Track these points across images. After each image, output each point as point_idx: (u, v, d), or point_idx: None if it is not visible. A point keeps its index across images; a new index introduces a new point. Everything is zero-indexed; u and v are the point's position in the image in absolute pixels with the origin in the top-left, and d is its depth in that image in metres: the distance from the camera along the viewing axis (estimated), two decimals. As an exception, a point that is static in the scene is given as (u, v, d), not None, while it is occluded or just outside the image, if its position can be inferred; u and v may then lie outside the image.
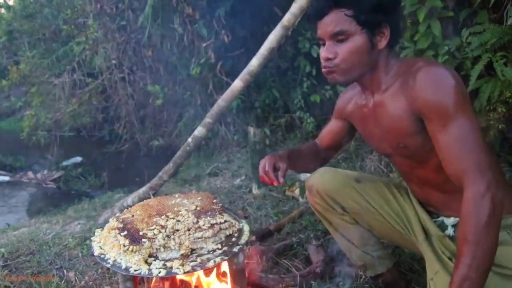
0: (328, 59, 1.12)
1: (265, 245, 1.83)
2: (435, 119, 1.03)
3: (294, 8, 2.30)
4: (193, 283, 1.40)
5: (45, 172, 4.49)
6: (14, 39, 5.66)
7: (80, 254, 1.86)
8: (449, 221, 1.22)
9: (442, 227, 1.24)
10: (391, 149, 1.22)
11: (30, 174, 4.49)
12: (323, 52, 1.12)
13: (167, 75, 4.40)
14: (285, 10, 3.36)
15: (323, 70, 1.15)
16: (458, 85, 1.01)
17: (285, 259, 1.71)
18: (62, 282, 1.59)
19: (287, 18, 2.34)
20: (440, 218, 1.25)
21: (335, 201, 1.37)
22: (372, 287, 1.49)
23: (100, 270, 1.68)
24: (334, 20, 1.08)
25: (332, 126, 1.42)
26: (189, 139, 2.57)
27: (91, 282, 1.56)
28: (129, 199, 2.73)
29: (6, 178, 4.47)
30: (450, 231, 1.22)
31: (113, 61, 4.46)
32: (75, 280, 1.60)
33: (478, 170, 0.98)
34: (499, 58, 1.99)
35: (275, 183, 1.23)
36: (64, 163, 4.86)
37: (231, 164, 3.63)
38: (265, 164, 1.26)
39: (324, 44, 1.13)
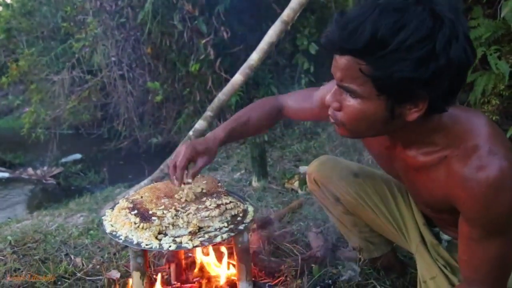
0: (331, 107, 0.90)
1: (265, 232, 1.88)
2: (470, 226, 0.88)
3: (294, 3, 2.35)
4: (198, 266, 1.45)
5: (45, 168, 4.52)
6: (12, 37, 5.68)
7: (86, 241, 1.90)
8: (445, 236, 1.21)
9: (437, 237, 1.21)
10: (412, 195, 1.14)
11: (30, 170, 4.52)
12: (328, 96, 0.90)
13: (166, 72, 4.45)
14: (283, 7, 3.43)
15: (330, 119, 0.93)
16: (510, 204, 0.82)
17: (286, 245, 1.76)
18: (70, 266, 1.63)
19: (287, 13, 2.40)
20: (437, 229, 1.23)
21: (331, 191, 1.37)
22: (370, 270, 1.54)
23: (106, 255, 1.72)
24: (345, 69, 0.81)
25: (313, 110, 1.22)
26: (190, 132, 2.62)
27: (98, 266, 1.60)
28: (131, 192, 2.77)
29: (6, 175, 4.49)
30: (444, 244, 1.21)
31: (113, 58, 4.48)
32: (82, 264, 1.65)
33: (484, 284, 0.92)
34: (493, 51, 2.05)
35: (176, 184, 1.11)
36: (63, 160, 4.88)
37: (230, 159, 3.67)
38: (181, 158, 1.13)
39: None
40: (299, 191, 2.58)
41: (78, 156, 5.08)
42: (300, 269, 1.48)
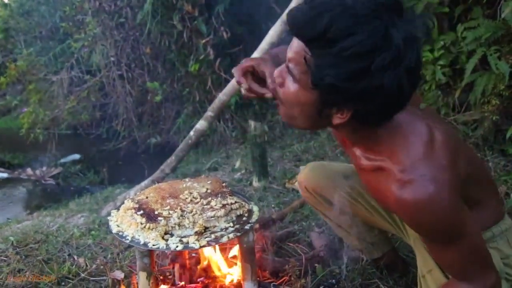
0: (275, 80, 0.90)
1: (268, 231, 1.88)
2: (422, 238, 0.92)
3: (294, 3, 2.36)
4: (203, 266, 1.46)
5: (44, 168, 4.51)
6: (10, 37, 5.67)
7: (89, 242, 1.90)
8: None
9: None
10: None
11: (29, 170, 4.50)
12: (276, 69, 0.90)
13: (165, 72, 4.44)
14: (283, 7, 3.44)
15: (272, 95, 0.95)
16: (452, 217, 0.83)
17: (289, 244, 1.77)
18: (73, 266, 1.63)
19: (288, 13, 2.40)
20: None
21: (324, 197, 1.36)
22: (373, 270, 1.55)
23: (110, 256, 1.73)
24: (295, 51, 0.82)
25: None
26: (191, 132, 2.62)
27: (101, 266, 1.60)
28: (132, 192, 2.77)
29: (5, 175, 4.48)
30: None
31: (112, 58, 4.48)
32: (86, 264, 1.64)
33: (472, 281, 0.91)
34: (493, 52, 2.06)
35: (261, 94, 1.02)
36: (62, 161, 4.87)
37: (230, 159, 3.67)
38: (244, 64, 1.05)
39: None
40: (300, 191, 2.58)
41: (77, 156, 5.07)
42: (303, 268, 1.49)
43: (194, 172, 3.58)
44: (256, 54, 2.52)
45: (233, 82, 2.54)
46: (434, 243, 0.90)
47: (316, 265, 1.56)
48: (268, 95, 1.01)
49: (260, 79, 1.03)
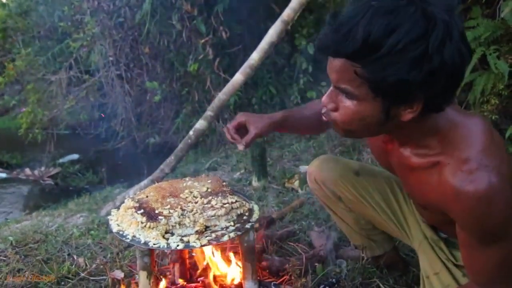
0: (326, 107, 0.90)
1: (268, 231, 1.88)
2: (467, 236, 0.89)
3: (294, 3, 2.36)
4: (203, 265, 1.45)
5: (43, 168, 4.49)
6: (8, 37, 5.66)
7: (89, 242, 1.89)
8: (441, 234, 1.22)
9: (436, 233, 1.22)
10: (406, 191, 1.13)
11: (28, 170, 4.49)
12: (323, 96, 0.90)
13: (164, 72, 4.44)
14: (282, 6, 3.44)
15: (323, 116, 0.92)
16: (507, 214, 0.82)
17: (289, 244, 1.77)
18: (73, 266, 1.63)
19: (287, 12, 2.40)
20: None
21: (332, 190, 1.37)
22: (373, 269, 1.55)
23: (109, 255, 1.72)
24: (340, 71, 0.80)
25: None
26: (191, 132, 2.62)
27: (101, 266, 1.60)
28: (131, 192, 2.76)
29: (3, 175, 4.47)
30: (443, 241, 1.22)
31: (110, 58, 4.47)
32: (85, 264, 1.64)
33: (487, 286, 0.93)
34: (492, 51, 2.06)
35: (237, 144, 1.13)
36: (61, 161, 4.86)
37: (230, 159, 3.67)
38: (234, 120, 1.17)
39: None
40: (299, 190, 2.58)
41: (75, 156, 5.06)
42: (304, 267, 1.49)
43: (194, 172, 3.57)
44: (255, 53, 2.52)
45: (233, 82, 2.54)
46: (477, 240, 0.87)
47: (316, 264, 1.55)
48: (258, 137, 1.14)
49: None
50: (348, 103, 0.84)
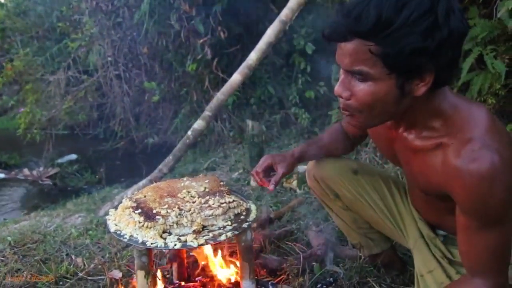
0: (341, 97, 0.91)
1: (266, 230, 1.89)
2: (467, 217, 0.89)
3: (292, 3, 2.36)
4: (201, 265, 1.46)
5: (41, 169, 4.49)
6: (6, 37, 5.65)
7: (87, 242, 1.90)
8: (441, 232, 1.23)
9: (434, 231, 1.23)
10: (409, 179, 1.14)
11: (26, 171, 4.49)
12: (336, 87, 0.91)
13: (162, 72, 4.44)
14: (280, 7, 3.44)
15: (342, 111, 0.94)
16: (507, 197, 0.83)
17: (286, 243, 1.77)
18: (71, 266, 1.63)
19: (285, 13, 2.41)
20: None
21: (330, 188, 1.38)
22: (371, 268, 1.56)
23: (107, 255, 1.72)
24: (354, 53, 0.83)
25: None
26: (189, 132, 2.62)
27: (99, 266, 1.60)
28: (129, 192, 2.77)
29: (1, 175, 4.46)
30: (440, 238, 1.22)
31: (109, 58, 4.47)
32: (84, 264, 1.64)
33: (487, 277, 0.92)
34: (489, 51, 2.07)
35: (266, 186, 1.24)
36: (59, 161, 4.86)
37: (228, 159, 3.67)
38: (261, 163, 1.28)
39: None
40: (298, 190, 2.59)
41: (73, 156, 5.05)
42: (301, 267, 1.49)
43: (192, 172, 3.58)
44: (253, 53, 2.53)
45: (231, 82, 2.54)
46: (477, 222, 0.88)
47: (313, 263, 1.56)
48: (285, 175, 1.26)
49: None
50: (362, 86, 0.86)
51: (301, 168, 2.82)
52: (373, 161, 2.82)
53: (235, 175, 3.18)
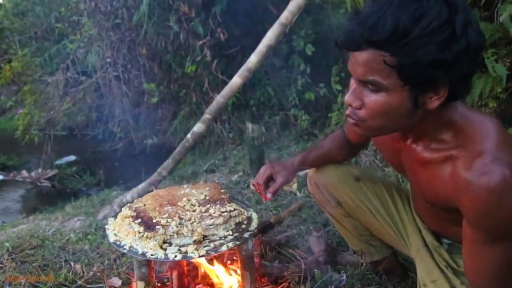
0: (351, 106, 0.89)
1: (266, 236, 1.87)
2: (474, 230, 0.88)
3: (292, 6, 2.35)
4: (201, 272, 1.44)
5: (39, 170, 4.47)
6: (5, 38, 5.62)
7: (86, 247, 1.88)
8: (445, 240, 1.22)
9: (438, 240, 1.22)
10: (415, 190, 1.12)
11: (24, 172, 4.46)
12: (347, 96, 0.89)
13: (161, 73, 4.42)
14: (279, 8, 3.42)
15: (347, 118, 0.93)
16: None
17: (287, 249, 1.76)
18: (70, 273, 1.61)
19: (285, 15, 2.39)
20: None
21: (331, 194, 1.37)
22: (372, 274, 1.54)
23: (106, 262, 1.71)
24: (368, 63, 0.81)
25: None
26: (188, 135, 2.61)
27: (98, 273, 1.58)
28: (128, 195, 2.75)
29: (0, 177, 4.44)
30: (444, 247, 1.21)
31: (108, 59, 4.45)
32: (82, 271, 1.63)
33: None
34: (490, 55, 2.06)
35: (263, 198, 1.26)
36: (58, 162, 4.84)
37: (228, 161, 3.66)
38: (261, 174, 1.29)
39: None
40: (298, 193, 2.57)
41: (72, 157, 5.03)
42: (303, 274, 1.48)
43: (191, 174, 3.56)
44: (253, 56, 2.51)
45: (231, 85, 2.52)
46: (483, 236, 0.87)
47: (315, 270, 1.55)
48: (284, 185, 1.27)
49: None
50: (374, 97, 0.85)
51: (300, 172, 2.80)
52: (373, 164, 2.81)
53: (234, 177, 3.16)
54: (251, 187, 2.75)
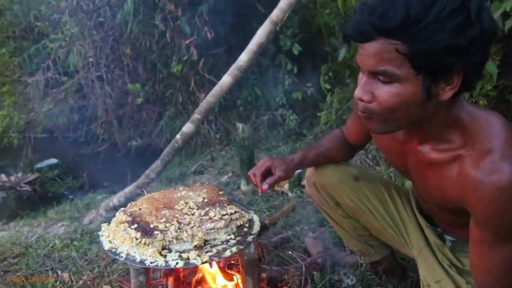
0: (361, 100, 0.86)
1: (262, 239, 1.83)
2: (482, 230, 0.87)
3: (283, 3, 2.31)
4: (196, 277, 1.39)
5: (19, 174, 4.31)
6: (-19, 37, 5.42)
7: (73, 254, 1.79)
8: (449, 237, 1.21)
9: (441, 238, 1.21)
10: (422, 193, 1.10)
11: (3, 177, 4.29)
12: (356, 90, 0.86)
13: (146, 73, 4.33)
14: (267, 7, 3.38)
15: (360, 113, 0.90)
16: None
17: (284, 251, 1.72)
18: (57, 283, 1.53)
19: (276, 13, 2.35)
20: (439, 229, 1.23)
21: (330, 195, 1.36)
22: (372, 276, 1.52)
23: (96, 269, 1.63)
24: (379, 53, 0.79)
25: (356, 123, 1.26)
26: (178, 136, 2.54)
27: (89, 282, 1.51)
28: (115, 199, 2.66)
29: (-23, 182, 4.26)
30: (448, 244, 1.20)
31: (90, 59, 4.32)
32: (71, 280, 1.54)
33: None
34: (481, 52, 2.08)
35: (259, 189, 1.21)
36: (39, 166, 4.67)
37: (216, 162, 3.61)
38: (260, 165, 1.25)
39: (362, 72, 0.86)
40: (289, 193, 2.54)
41: (53, 160, 4.87)
42: (303, 276, 1.44)
43: (179, 176, 3.49)
44: (244, 55, 2.46)
45: (221, 84, 2.47)
46: (491, 236, 0.86)
47: (314, 272, 1.51)
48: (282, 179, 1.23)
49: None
50: (386, 88, 0.82)
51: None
52: (364, 163, 2.80)
53: (224, 178, 3.11)
54: (242, 188, 2.71)
